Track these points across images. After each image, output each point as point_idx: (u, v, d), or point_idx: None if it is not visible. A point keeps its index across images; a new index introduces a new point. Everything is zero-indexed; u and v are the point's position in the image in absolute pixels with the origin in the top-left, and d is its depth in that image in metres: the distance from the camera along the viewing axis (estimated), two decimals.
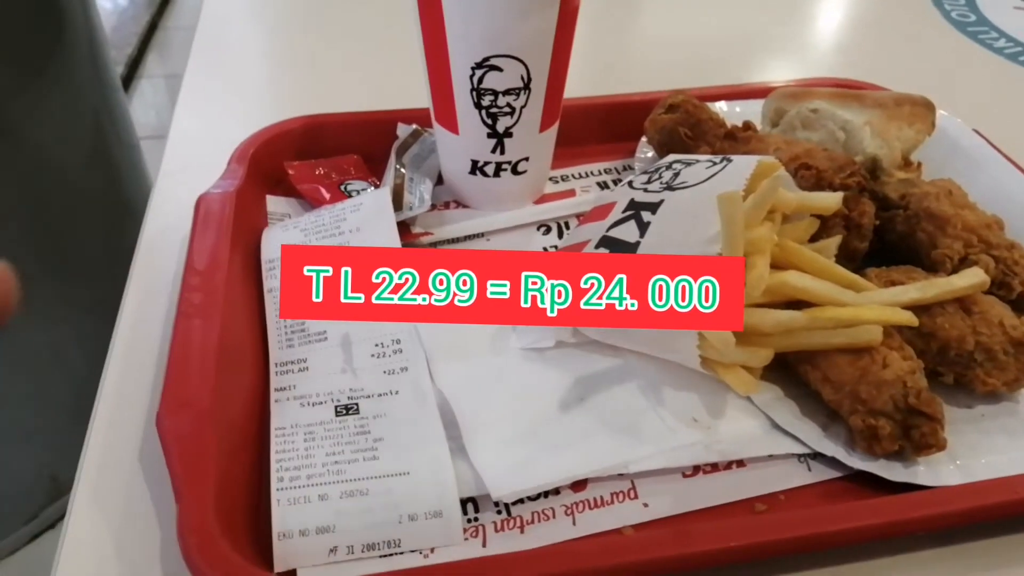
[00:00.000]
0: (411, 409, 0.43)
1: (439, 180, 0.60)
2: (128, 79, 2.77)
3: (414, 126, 0.61)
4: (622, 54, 0.84)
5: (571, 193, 0.60)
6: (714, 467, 0.42)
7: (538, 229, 0.57)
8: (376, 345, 0.46)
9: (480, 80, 0.51)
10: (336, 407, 0.43)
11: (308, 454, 0.40)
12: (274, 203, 0.57)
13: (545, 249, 0.55)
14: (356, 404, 0.43)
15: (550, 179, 0.62)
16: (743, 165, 0.46)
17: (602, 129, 0.64)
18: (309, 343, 0.46)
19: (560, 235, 0.57)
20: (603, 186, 0.61)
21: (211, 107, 0.72)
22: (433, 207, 0.58)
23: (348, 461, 0.40)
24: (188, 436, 0.39)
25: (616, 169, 0.63)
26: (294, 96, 0.73)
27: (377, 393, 0.44)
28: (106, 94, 1.07)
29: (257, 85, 0.76)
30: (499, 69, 0.50)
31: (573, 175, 0.62)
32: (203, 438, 0.39)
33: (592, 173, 0.63)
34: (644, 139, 0.61)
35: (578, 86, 0.64)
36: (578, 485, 0.40)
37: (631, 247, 0.45)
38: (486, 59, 0.50)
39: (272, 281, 0.49)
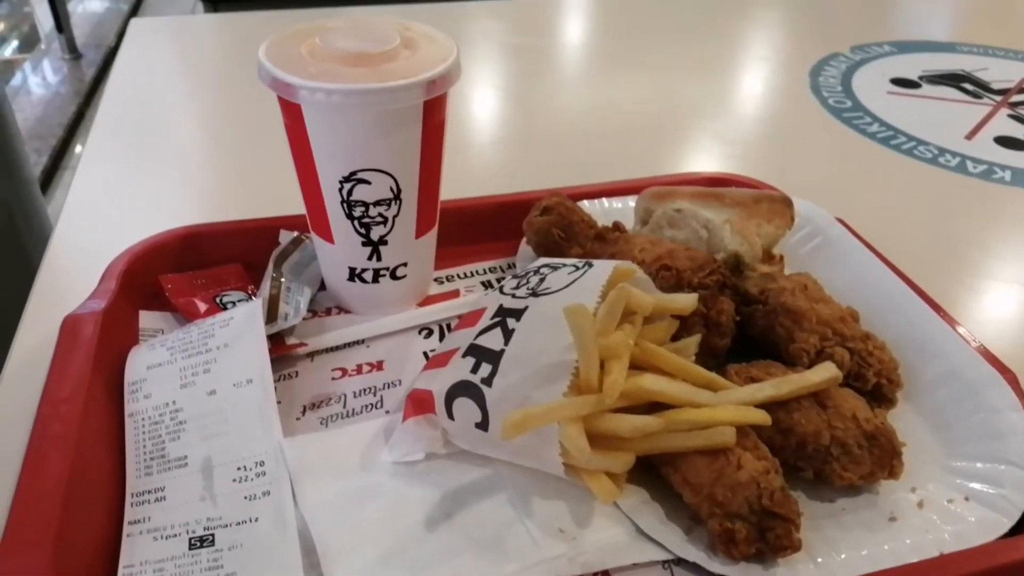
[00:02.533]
0: (270, 537, 0.42)
1: (321, 286, 0.60)
2: (52, 170, 2.74)
3: (295, 233, 0.61)
4: (512, 151, 0.87)
5: (455, 294, 0.61)
6: None
7: (419, 332, 0.57)
8: (238, 468, 0.45)
9: (350, 192, 0.51)
10: (191, 539, 0.41)
11: None
12: (148, 319, 0.56)
13: (425, 354, 0.55)
14: (212, 535, 0.42)
15: (435, 280, 0.62)
16: (601, 271, 0.47)
17: (485, 229, 0.65)
18: (168, 470, 0.45)
19: (441, 338, 0.57)
20: (487, 285, 0.62)
21: (94, 218, 0.71)
22: (314, 314, 0.58)
23: None
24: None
25: (501, 268, 0.64)
26: (178, 205, 0.74)
27: (235, 521, 0.42)
28: (19, 189, 1.06)
29: (143, 194, 0.75)
30: (367, 182, 0.51)
31: (458, 275, 0.63)
32: None
33: (477, 272, 0.63)
34: (524, 239, 0.62)
35: (464, 183, 0.65)
36: None
37: (496, 355, 0.45)
38: (353, 173, 0.51)
39: (134, 405, 0.48)
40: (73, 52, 3.34)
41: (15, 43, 3.53)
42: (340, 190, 0.51)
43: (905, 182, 0.80)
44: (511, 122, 0.94)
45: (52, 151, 2.73)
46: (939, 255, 0.69)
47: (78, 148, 2.83)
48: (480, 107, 0.95)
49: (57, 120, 2.93)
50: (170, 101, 0.94)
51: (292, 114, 0.49)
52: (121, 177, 0.78)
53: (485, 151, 0.86)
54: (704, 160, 0.84)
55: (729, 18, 1.21)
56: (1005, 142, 0.86)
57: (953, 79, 1.01)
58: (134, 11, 3.94)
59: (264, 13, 1.15)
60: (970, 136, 0.87)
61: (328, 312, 0.58)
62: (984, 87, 0.99)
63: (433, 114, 0.50)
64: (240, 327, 0.51)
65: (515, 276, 0.53)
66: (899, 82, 1.00)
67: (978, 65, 1.05)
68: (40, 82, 3.24)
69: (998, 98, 0.96)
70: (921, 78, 1.01)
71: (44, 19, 3.45)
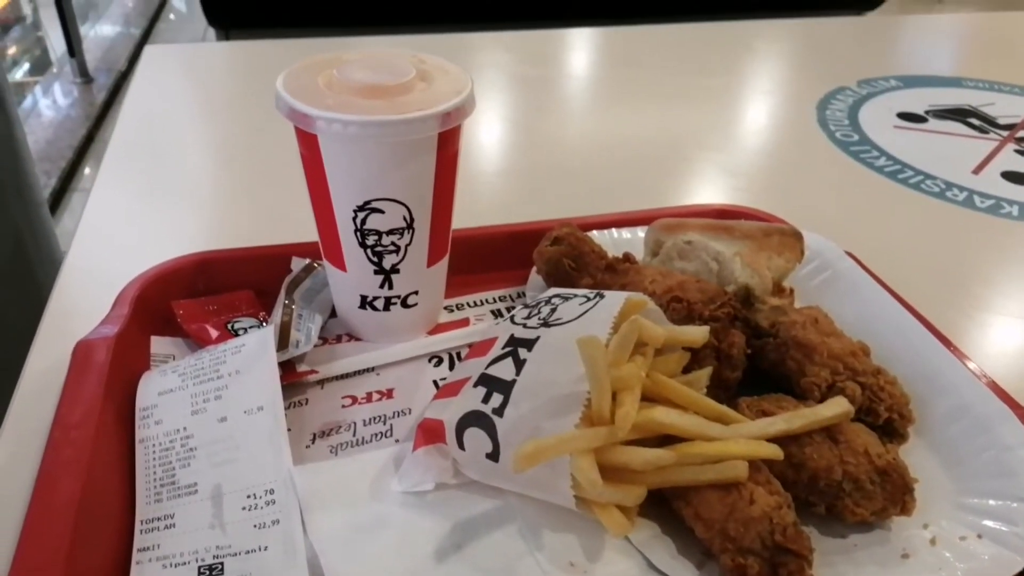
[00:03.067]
0: (280, 566, 0.41)
1: (332, 314, 0.60)
2: (61, 192, 2.76)
3: (307, 260, 0.61)
4: (522, 181, 0.87)
5: (465, 322, 0.61)
6: None
7: (430, 361, 0.57)
8: (248, 496, 0.45)
9: (363, 221, 0.52)
10: (200, 567, 0.41)
11: None
12: (159, 344, 0.56)
13: (435, 382, 0.55)
14: (221, 563, 0.41)
15: (445, 308, 0.62)
16: (613, 302, 0.47)
17: (497, 258, 0.65)
18: (178, 497, 0.45)
19: (451, 366, 0.57)
20: (497, 314, 0.62)
21: (106, 243, 0.72)
22: (325, 341, 0.58)
23: None
24: None
25: (511, 296, 0.64)
26: (191, 231, 0.74)
27: (245, 550, 0.42)
28: (29, 211, 1.07)
29: (155, 220, 0.76)
30: (381, 211, 0.51)
31: (468, 303, 0.63)
32: None
33: (487, 301, 0.64)
34: (535, 268, 0.63)
35: (474, 215, 0.66)
36: None
37: (507, 385, 0.46)
38: (367, 203, 0.51)
39: (144, 431, 0.48)
40: (84, 76, 3.38)
41: (27, 66, 3.57)
42: (354, 219, 0.52)
43: (913, 216, 0.80)
44: (520, 152, 0.95)
45: (61, 174, 2.75)
46: (947, 289, 0.69)
47: (87, 171, 2.86)
48: (490, 137, 0.96)
49: (67, 143, 2.96)
50: (183, 127, 0.95)
51: (309, 144, 0.50)
52: (133, 203, 0.78)
53: (495, 181, 0.86)
54: (711, 192, 0.84)
55: (736, 51, 1.22)
56: (1012, 177, 0.87)
57: (959, 114, 1.02)
58: (146, 36, 4.00)
59: (276, 42, 1.17)
60: (977, 171, 0.88)
61: (339, 339, 0.59)
62: (990, 122, 1.00)
63: (447, 145, 0.51)
64: (252, 354, 0.51)
65: (526, 306, 0.53)
66: (906, 116, 1.01)
67: (984, 100, 1.06)
68: (51, 105, 3.28)
69: (1004, 133, 0.97)
70: (927, 112, 1.02)
71: (56, 43, 3.49)
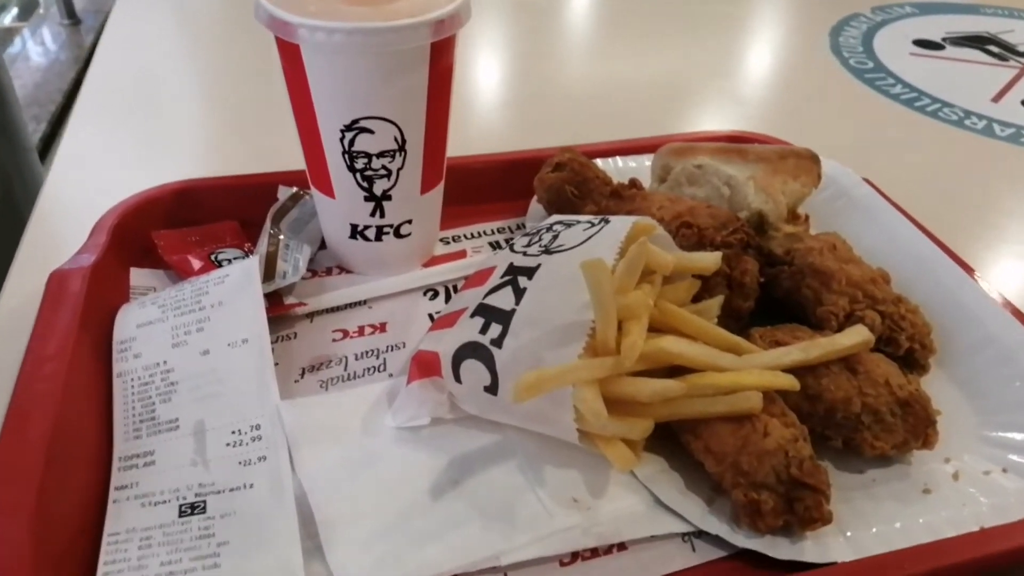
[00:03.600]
0: (266, 505, 0.39)
1: (322, 245, 0.57)
2: (51, 136, 2.70)
3: (295, 188, 0.58)
4: (523, 111, 0.83)
5: (462, 254, 0.58)
6: (594, 552, 0.39)
7: (424, 294, 0.55)
8: (233, 432, 0.42)
9: (351, 143, 0.48)
10: (181, 506, 0.39)
11: (141, 564, 0.36)
12: (139, 276, 0.53)
13: (430, 316, 0.52)
14: (203, 502, 0.39)
15: (440, 240, 0.59)
16: (619, 227, 0.44)
17: (494, 187, 0.62)
18: (158, 433, 0.42)
19: (447, 299, 0.54)
20: (495, 246, 0.59)
21: (85, 172, 0.68)
22: (314, 274, 0.55)
23: (185, 571, 0.36)
24: (4, 543, 0.34)
25: (510, 228, 0.61)
26: (173, 160, 0.70)
27: (229, 488, 0.40)
28: (17, 156, 1.03)
29: (136, 150, 0.72)
30: (370, 131, 0.48)
31: (465, 235, 0.60)
32: (19, 549, 0.34)
33: (485, 233, 0.60)
34: (535, 197, 0.59)
35: (471, 142, 0.62)
36: None
37: (506, 315, 0.43)
38: (355, 121, 0.47)
39: (123, 364, 0.46)
40: (72, 18, 3.27)
41: (15, 11, 3.47)
42: (341, 140, 0.48)
43: (930, 145, 0.76)
44: (521, 81, 0.90)
45: (51, 118, 2.68)
46: (967, 219, 0.66)
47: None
48: (489, 64, 0.91)
49: (56, 86, 2.88)
50: (163, 55, 0.91)
51: (290, 56, 0.46)
52: (113, 132, 0.75)
53: (494, 110, 0.82)
54: (720, 121, 0.80)
55: None
56: None
57: (978, 41, 0.97)
58: None
59: None
60: (996, 99, 0.84)
61: (328, 272, 0.56)
62: (1010, 49, 0.95)
63: (441, 58, 0.47)
64: (236, 285, 0.48)
65: (526, 234, 0.50)
66: (922, 43, 0.96)
67: (1003, 27, 1.01)
68: (39, 49, 3.19)
69: None
70: (944, 39, 0.97)
71: None
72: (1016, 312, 0.49)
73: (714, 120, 0.81)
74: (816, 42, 0.96)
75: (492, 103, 0.84)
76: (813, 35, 0.98)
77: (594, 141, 0.66)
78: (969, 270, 0.52)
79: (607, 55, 0.95)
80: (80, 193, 0.65)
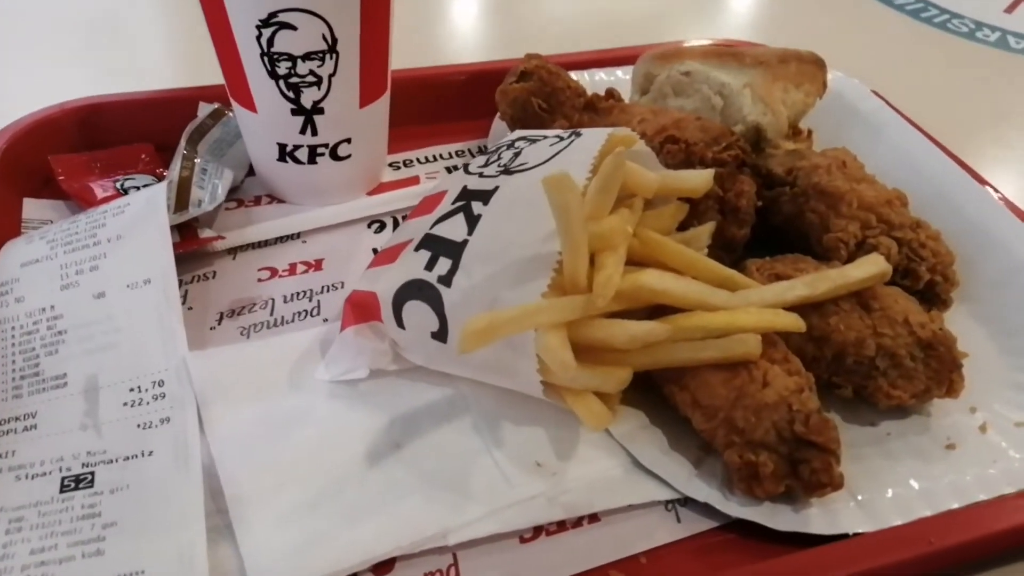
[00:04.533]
0: (166, 476, 0.33)
1: (251, 172, 0.49)
2: None
3: (217, 105, 0.50)
4: (491, 11, 0.75)
5: (414, 181, 0.51)
6: (560, 526, 0.33)
7: (368, 226, 0.47)
8: (131, 390, 0.35)
9: (270, 42, 0.40)
10: (64, 479, 0.32)
11: (6, 553, 0.30)
12: (33, 207, 0.46)
13: (375, 251, 0.45)
14: (91, 474, 0.33)
15: (389, 165, 0.52)
16: (592, 140, 0.37)
17: (453, 103, 0.55)
18: (43, 391, 0.36)
19: (396, 230, 0.47)
20: (453, 170, 0.52)
21: None
22: (240, 203, 0.48)
23: (61, 560, 0.30)
24: None
25: (470, 151, 0.54)
26: (76, 74, 0.61)
27: (123, 456, 0.33)
28: None
29: (30, 63, 0.63)
30: (292, 27, 0.40)
31: (419, 159, 0.53)
32: None
33: (441, 156, 0.53)
34: (499, 115, 0.52)
35: (425, 50, 0.54)
36: (383, 566, 0.31)
37: (457, 247, 0.36)
38: (272, 15, 0.39)
39: (3, 310, 0.38)
40: None
41: None
42: (258, 39, 0.40)
43: (940, 58, 0.70)
44: None
45: None
46: (982, 136, 0.59)
47: None
48: None
49: None
50: None
51: None
52: (5, 43, 0.65)
53: (454, 14, 0.73)
54: (710, 29, 0.72)
55: None
56: None
57: None
58: None
59: None
60: (1010, 9, 0.77)
61: (257, 201, 0.48)
62: None
63: None
64: (137, 215, 0.41)
65: (484, 153, 0.42)
66: None
67: None
68: None
69: None
70: None
71: None
72: None
73: (704, 28, 0.73)
74: None
75: (451, 4, 0.74)
76: None
77: (567, 51, 0.58)
78: (994, 190, 0.45)
79: None
80: None
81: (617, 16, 0.74)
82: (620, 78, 0.56)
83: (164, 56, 0.64)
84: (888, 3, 0.77)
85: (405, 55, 0.47)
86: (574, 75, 0.55)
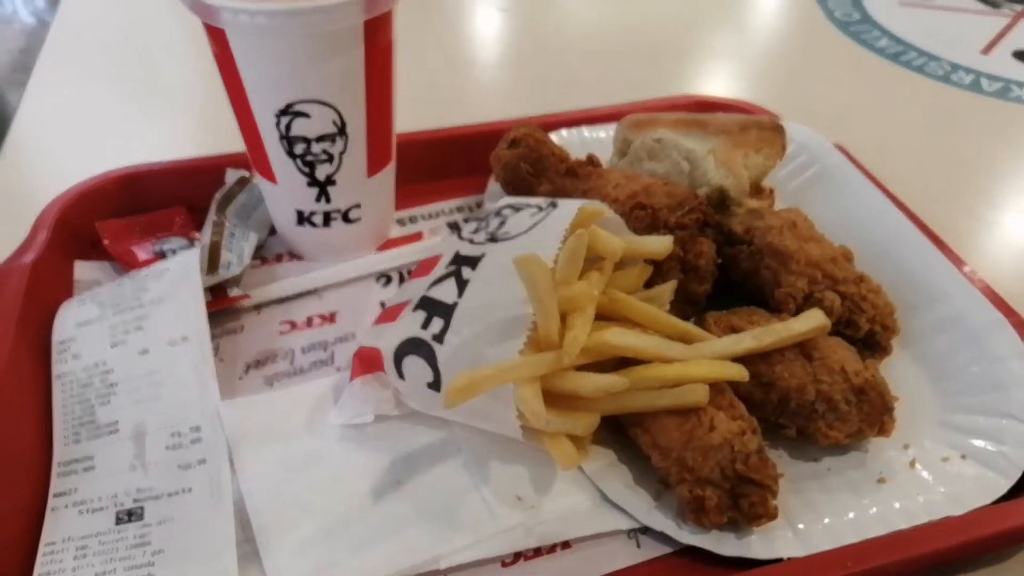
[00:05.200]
0: (203, 510, 0.38)
1: (272, 230, 0.56)
2: None
3: (242, 172, 0.56)
4: (489, 74, 0.80)
5: (418, 236, 0.56)
6: (537, 552, 0.38)
7: (377, 280, 0.53)
8: (172, 435, 0.41)
9: (288, 127, 0.47)
10: (118, 513, 0.38)
11: (75, 575, 0.36)
12: (84, 269, 0.52)
13: (382, 303, 0.51)
14: (141, 508, 0.39)
15: (397, 221, 0.58)
16: (565, 213, 0.42)
17: (453, 163, 0.60)
18: (98, 437, 0.42)
19: (401, 285, 0.53)
20: (454, 227, 0.57)
21: (32, 160, 0.66)
22: (263, 261, 0.54)
23: None
24: None
25: (469, 207, 0.59)
26: (120, 144, 0.68)
27: (167, 492, 0.39)
28: None
29: (82, 134, 0.70)
30: (306, 115, 0.46)
31: (422, 215, 0.58)
32: None
33: (443, 212, 0.59)
34: (493, 175, 0.57)
35: (428, 114, 0.60)
36: None
37: (448, 309, 0.41)
38: (289, 106, 0.45)
39: (62, 366, 0.45)
40: None
41: None
42: (277, 125, 0.46)
43: (914, 102, 0.74)
44: (483, 44, 0.87)
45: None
46: (949, 182, 0.63)
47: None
48: (446, 29, 0.88)
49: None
50: (113, 32, 0.88)
51: (218, 40, 0.44)
52: (62, 112, 0.72)
53: (454, 78, 0.79)
54: (698, 80, 0.77)
55: None
56: None
57: None
58: None
59: None
60: (986, 51, 0.81)
61: (279, 258, 0.54)
62: None
63: (377, 36, 0.45)
64: (175, 279, 0.47)
65: (476, 218, 0.48)
66: None
67: None
68: (24, 8, 3.13)
69: (1019, 7, 0.88)
70: None
71: None
72: (987, 289, 0.47)
73: (692, 79, 0.78)
74: None
75: (451, 71, 0.80)
76: None
77: (571, 108, 0.63)
78: (940, 243, 0.50)
79: (582, 11, 0.91)
80: (25, 180, 0.63)
81: (609, 67, 0.79)
82: (608, 134, 0.61)
83: (194, 126, 0.70)
84: (870, 47, 0.81)
85: (410, 118, 0.53)
86: (566, 131, 0.61)
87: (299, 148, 0.47)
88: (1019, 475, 0.40)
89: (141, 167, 0.57)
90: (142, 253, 0.52)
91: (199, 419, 0.42)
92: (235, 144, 0.55)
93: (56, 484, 0.40)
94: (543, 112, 0.63)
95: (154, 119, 0.73)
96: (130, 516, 0.38)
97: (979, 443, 0.41)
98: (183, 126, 0.71)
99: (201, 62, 0.76)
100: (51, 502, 0.39)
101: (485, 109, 0.63)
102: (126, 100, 0.75)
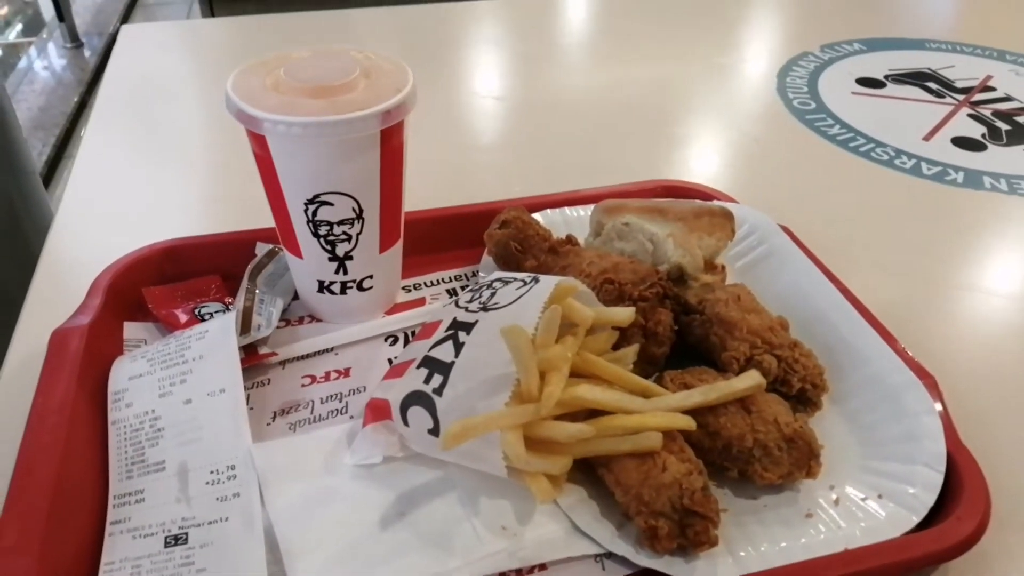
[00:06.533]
0: (239, 536, 0.46)
1: (295, 296, 0.64)
2: (57, 159, 2.79)
3: (271, 246, 0.65)
4: (482, 158, 0.90)
5: (421, 302, 0.65)
6: (518, 572, 0.45)
7: (385, 340, 0.61)
8: (211, 472, 0.49)
9: (314, 213, 0.55)
10: (166, 538, 0.46)
11: None
12: (131, 329, 0.60)
13: (390, 360, 0.59)
14: (186, 534, 0.46)
15: (403, 288, 0.66)
16: (544, 288, 0.51)
17: (451, 238, 0.69)
18: (147, 473, 0.49)
19: (406, 344, 0.61)
20: (452, 293, 0.66)
21: (85, 228, 0.75)
22: (287, 323, 0.62)
23: None
24: (18, 573, 0.41)
25: (465, 276, 0.68)
26: (161, 217, 0.77)
27: (208, 521, 0.47)
28: (20, 181, 1.08)
29: (125, 208, 0.79)
30: (330, 204, 0.55)
31: (425, 283, 0.67)
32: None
33: (443, 280, 0.67)
34: (486, 250, 0.66)
35: (432, 193, 0.69)
36: None
37: (447, 367, 0.49)
38: (316, 196, 0.54)
39: (116, 413, 0.52)
40: (75, 40, 3.37)
41: (19, 27, 3.55)
42: (306, 211, 0.55)
43: (859, 185, 0.83)
44: (483, 127, 0.97)
45: (56, 140, 2.77)
46: (885, 259, 0.72)
47: (83, 134, 2.88)
48: (449, 111, 0.98)
49: (60, 109, 2.98)
50: (158, 108, 0.98)
51: (258, 143, 0.53)
52: (109, 188, 0.82)
53: (456, 158, 0.89)
54: (665, 166, 0.86)
55: (701, 17, 1.23)
56: (962, 143, 0.89)
57: (918, 78, 1.03)
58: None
59: (251, 18, 1.18)
60: (928, 137, 0.90)
61: (300, 321, 0.62)
62: (948, 86, 1.01)
63: (391, 140, 0.54)
64: (214, 339, 0.55)
65: (471, 289, 0.56)
66: (864, 82, 1.02)
67: (945, 63, 1.07)
68: (44, 69, 3.28)
69: (960, 97, 0.99)
70: (887, 77, 1.03)
71: (46, 8, 3.48)
72: (903, 353, 0.55)
73: (660, 165, 0.86)
74: (764, 83, 1.02)
75: (453, 154, 0.90)
76: (762, 76, 1.04)
77: (547, 191, 0.72)
78: (866, 313, 0.58)
79: (561, 100, 1.01)
80: (78, 251, 0.72)
81: (578, 155, 0.88)
82: (586, 214, 0.70)
83: (227, 205, 0.79)
84: (823, 134, 0.91)
85: (415, 198, 0.61)
86: (550, 211, 0.70)
87: (323, 230, 0.56)
88: (926, 512, 0.47)
89: (181, 240, 0.65)
90: (183, 315, 0.60)
91: (234, 459, 0.50)
92: (263, 221, 0.64)
93: (112, 514, 0.47)
94: (531, 194, 0.72)
95: (191, 197, 0.82)
96: (176, 540, 0.46)
97: (894, 485, 0.49)
98: (217, 204, 0.80)
99: (232, 149, 0.86)
100: (108, 528, 0.47)
101: (481, 190, 0.72)
102: (165, 179, 0.84)
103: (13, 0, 3.69)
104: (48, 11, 3.41)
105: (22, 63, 3.26)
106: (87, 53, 3.39)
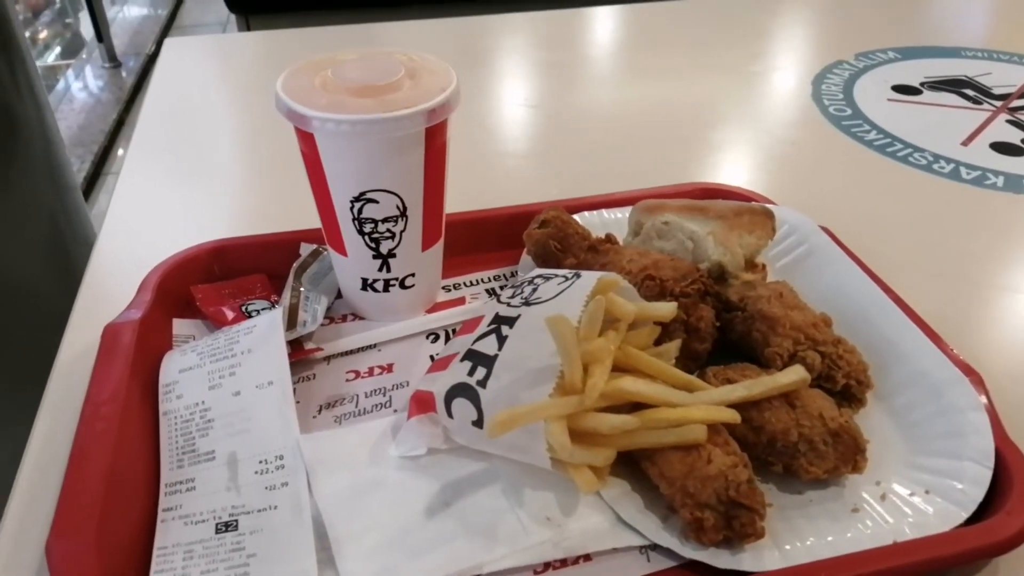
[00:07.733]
0: (287, 523, 0.47)
1: (338, 295, 0.65)
2: (95, 175, 2.85)
3: (315, 246, 0.66)
4: (522, 162, 0.91)
5: (461, 301, 0.66)
6: (563, 562, 0.46)
7: (427, 337, 0.62)
8: (260, 462, 0.50)
9: (360, 211, 0.56)
10: (217, 524, 0.47)
11: (185, 573, 0.44)
12: (180, 326, 0.61)
13: (431, 357, 0.60)
14: (236, 521, 0.47)
15: (443, 287, 0.67)
16: (587, 282, 0.51)
17: (490, 239, 0.69)
18: (198, 463, 0.50)
19: (447, 341, 0.61)
20: (491, 293, 0.66)
21: (131, 232, 0.77)
22: (331, 320, 0.63)
23: None
24: (73, 561, 0.42)
25: (504, 276, 0.68)
26: (208, 219, 0.79)
27: (257, 509, 0.47)
28: (63, 195, 1.11)
29: (175, 209, 0.81)
30: (376, 201, 0.56)
31: (464, 283, 0.68)
32: (87, 562, 0.42)
33: (482, 280, 0.68)
34: (525, 250, 0.67)
35: (473, 195, 0.70)
36: None
37: (490, 360, 0.50)
38: (362, 194, 0.55)
39: (167, 404, 0.54)
40: (113, 61, 3.46)
41: (58, 50, 3.65)
42: (351, 209, 0.56)
43: (897, 189, 0.82)
44: (519, 134, 0.98)
45: (95, 158, 2.84)
46: (924, 261, 0.71)
47: (120, 152, 2.95)
48: (488, 120, 0.99)
49: (99, 127, 3.05)
50: (201, 119, 1.00)
51: (307, 141, 0.54)
52: (155, 192, 0.84)
53: (495, 163, 0.90)
54: (701, 170, 0.87)
55: (734, 27, 1.24)
56: (1001, 148, 0.89)
57: (955, 84, 1.03)
58: (172, 18, 4.07)
59: (290, 31, 1.21)
60: (966, 142, 0.90)
61: (344, 318, 0.63)
62: (985, 92, 1.01)
63: (435, 139, 0.55)
64: (262, 334, 0.56)
65: (512, 286, 0.57)
66: (900, 89, 1.02)
67: (981, 70, 1.07)
68: (82, 90, 3.37)
69: (998, 103, 0.98)
70: (923, 84, 1.03)
71: (86, 29, 3.57)
72: (948, 351, 0.55)
73: (697, 170, 0.88)
74: (800, 90, 1.02)
75: (492, 159, 0.91)
76: (797, 83, 1.04)
77: (588, 192, 0.73)
78: (910, 311, 0.58)
79: (599, 107, 1.02)
80: (127, 251, 0.74)
81: (620, 160, 0.89)
82: (624, 216, 0.70)
83: (273, 206, 0.81)
84: (860, 140, 0.90)
85: (456, 201, 0.62)
86: (588, 213, 0.71)
87: (368, 227, 0.57)
88: (975, 507, 0.47)
89: (228, 240, 0.67)
90: (230, 312, 0.61)
91: (282, 449, 0.50)
92: (307, 222, 0.65)
93: (164, 501, 0.48)
94: (569, 196, 0.72)
95: (234, 203, 0.84)
96: (227, 527, 0.47)
97: (941, 481, 0.48)
98: (260, 210, 0.81)
99: (278, 151, 0.88)
100: (160, 515, 0.48)
101: (519, 193, 0.72)
102: (211, 186, 0.86)
103: (53, 23, 3.80)
104: (88, 32, 3.51)
105: (61, 84, 3.34)
106: (124, 73, 3.47)
